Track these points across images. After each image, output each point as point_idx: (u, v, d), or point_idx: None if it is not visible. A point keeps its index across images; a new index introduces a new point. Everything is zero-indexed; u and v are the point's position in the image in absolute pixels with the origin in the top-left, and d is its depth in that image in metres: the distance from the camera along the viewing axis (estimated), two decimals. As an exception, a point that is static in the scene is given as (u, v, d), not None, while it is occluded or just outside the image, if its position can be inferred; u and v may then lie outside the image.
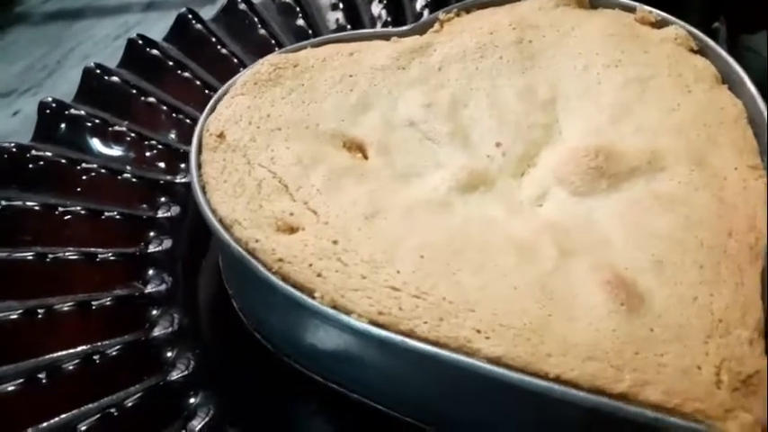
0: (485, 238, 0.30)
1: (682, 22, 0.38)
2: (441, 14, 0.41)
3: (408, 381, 0.30)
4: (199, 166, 0.34)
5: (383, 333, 0.27)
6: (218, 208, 0.32)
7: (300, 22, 0.52)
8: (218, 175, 0.33)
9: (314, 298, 0.28)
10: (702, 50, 0.37)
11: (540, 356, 0.25)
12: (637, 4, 0.40)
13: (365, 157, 0.35)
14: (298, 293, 0.29)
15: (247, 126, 0.35)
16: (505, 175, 0.33)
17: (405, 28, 0.41)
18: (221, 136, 0.35)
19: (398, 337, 0.27)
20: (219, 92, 0.38)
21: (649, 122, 0.34)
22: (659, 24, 0.39)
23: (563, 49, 0.38)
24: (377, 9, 0.53)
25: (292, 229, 0.31)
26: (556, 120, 0.36)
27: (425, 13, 0.52)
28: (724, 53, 0.36)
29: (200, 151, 0.35)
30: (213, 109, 0.37)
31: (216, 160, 0.34)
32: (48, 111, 0.44)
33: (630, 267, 0.28)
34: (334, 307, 0.28)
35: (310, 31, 0.51)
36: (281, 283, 0.29)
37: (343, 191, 0.32)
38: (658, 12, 0.39)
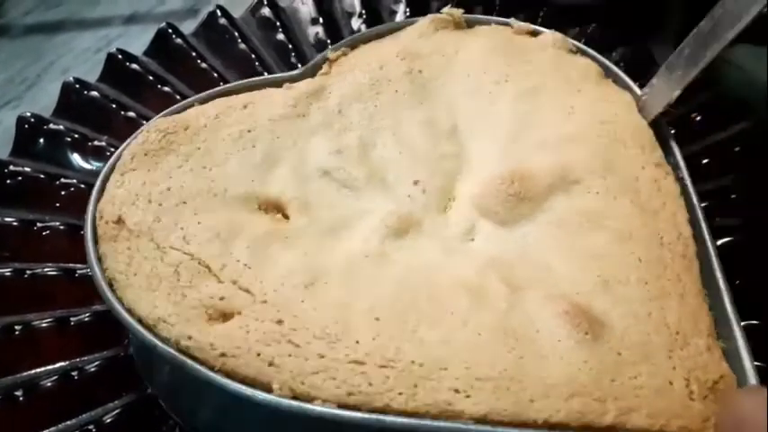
0: (431, 284, 0.29)
1: (552, 31, 0.39)
2: (329, 53, 0.39)
3: None
4: (99, 260, 0.30)
5: (357, 415, 0.25)
6: (134, 307, 0.28)
7: (281, 36, 0.52)
8: (125, 268, 0.30)
9: (271, 391, 0.26)
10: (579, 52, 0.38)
11: (525, 404, 0.25)
12: (510, 19, 0.40)
13: (285, 217, 0.32)
14: (249, 391, 0.26)
15: (147, 205, 0.31)
16: (431, 213, 0.32)
17: (295, 72, 0.39)
18: (119, 222, 0.31)
19: (373, 417, 0.25)
20: (105, 169, 0.34)
21: (550, 132, 0.34)
22: (535, 34, 0.39)
23: (451, 73, 0.37)
24: (356, 24, 0.53)
25: (226, 316, 0.28)
26: (461, 147, 0.35)
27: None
28: (594, 52, 0.38)
29: (96, 242, 0.31)
30: (102, 191, 0.33)
31: (119, 251, 0.30)
32: (26, 125, 0.44)
33: (581, 292, 0.28)
34: (295, 397, 0.25)
35: (290, 46, 0.51)
36: (227, 382, 0.26)
37: (272, 260, 0.29)
38: (528, 24, 0.40)
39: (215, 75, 0.49)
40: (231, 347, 0.26)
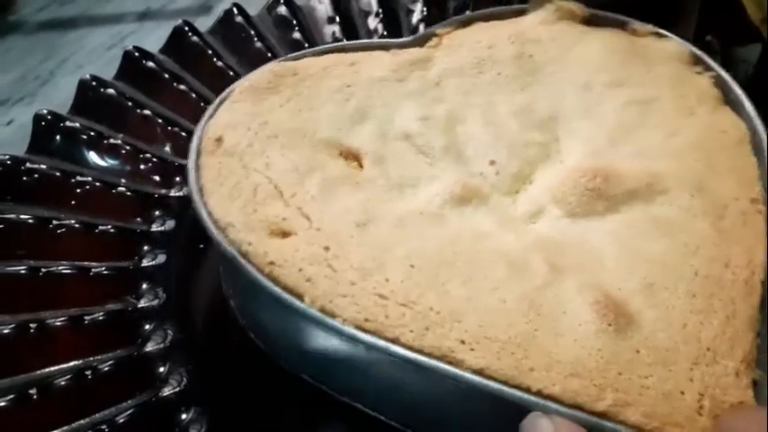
0: (476, 250, 0.30)
1: (680, 39, 0.38)
2: (439, 29, 0.41)
3: (394, 386, 0.30)
4: (197, 169, 0.34)
5: (368, 337, 0.27)
6: (213, 210, 0.32)
7: (297, 35, 0.52)
8: (214, 178, 0.34)
9: (303, 302, 0.29)
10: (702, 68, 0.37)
11: (523, 370, 0.26)
12: (631, 19, 0.40)
13: (361, 166, 0.35)
14: (287, 296, 0.29)
15: (245, 132, 0.35)
16: (498, 193, 0.33)
17: (405, 39, 0.41)
18: (219, 140, 0.35)
19: (382, 342, 0.27)
20: (219, 97, 0.38)
21: (650, 145, 0.33)
22: (658, 36, 0.39)
23: (565, 65, 0.37)
24: (373, 23, 0.53)
25: (285, 234, 0.31)
26: (555, 138, 0.35)
27: (421, 27, 0.53)
28: (723, 72, 0.36)
29: (198, 155, 0.35)
30: (213, 114, 0.37)
31: (213, 164, 0.34)
32: (43, 123, 0.44)
33: (622, 288, 0.28)
34: (323, 312, 0.28)
35: (306, 45, 0.51)
36: (271, 286, 0.29)
37: (337, 198, 0.32)
38: (651, 26, 0.39)
39: (231, 73, 0.49)
40: (279, 258, 0.30)
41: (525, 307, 0.27)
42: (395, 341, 0.27)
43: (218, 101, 0.38)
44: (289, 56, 0.41)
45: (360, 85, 0.38)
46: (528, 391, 0.25)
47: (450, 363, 0.26)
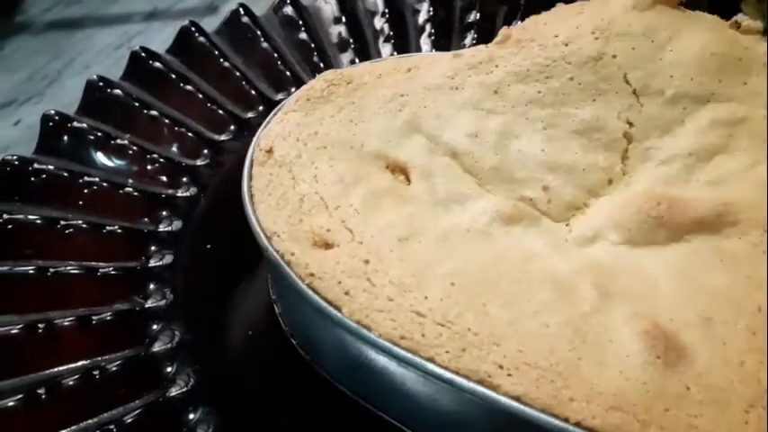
0: (522, 270, 0.29)
1: None
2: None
3: (428, 404, 0.30)
4: (249, 179, 0.35)
5: (402, 352, 0.27)
6: (261, 219, 0.33)
7: (303, 35, 0.52)
8: (263, 187, 0.34)
9: (341, 313, 0.29)
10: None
11: (563, 400, 0.25)
12: (739, 15, 0.35)
13: (408, 180, 0.34)
14: (325, 305, 0.29)
15: (295, 143, 0.35)
16: (552, 218, 0.32)
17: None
18: (270, 151, 0.35)
19: (418, 360, 0.27)
20: (277, 107, 0.38)
21: (729, 173, 0.30)
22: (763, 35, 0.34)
23: (654, 68, 0.33)
24: (379, 23, 0.53)
25: (328, 245, 0.31)
26: (623, 160, 0.32)
27: (427, 27, 0.53)
28: None
29: (252, 165, 0.36)
30: (267, 124, 0.37)
31: (263, 174, 0.35)
32: (50, 123, 0.44)
33: (676, 320, 0.26)
34: (359, 324, 0.28)
35: (312, 45, 0.51)
36: (312, 295, 0.29)
37: (380, 212, 0.32)
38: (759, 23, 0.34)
39: (237, 73, 0.49)
40: (320, 271, 0.30)
41: (570, 333, 0.26)
42: (430, 360, 0.27)
43: (275, 110, 0.38)
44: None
45: (413, 93, 0.36)
46: (566, 421, 0.24)
47: (487, 387, 0.25)
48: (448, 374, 0.26)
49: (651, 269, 0.28)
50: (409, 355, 0.27)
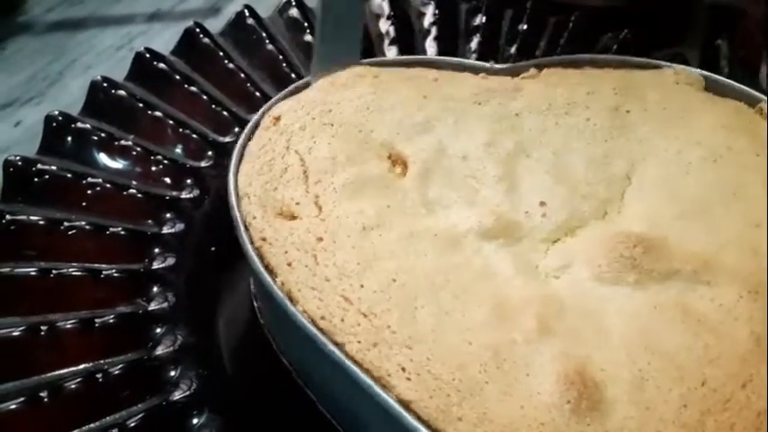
0: (471, 286, 0.28)
1: None
2: (541, 63, 0.38)
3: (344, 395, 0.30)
4: (246, 140, 0.36)
5: (314, 332, 0.27)
6: (240, 179, 0.34)
7: (308, 37, 0.52)
8: (256, 150, 0.35)
9: (275, 283, 0.29)
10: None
11: (451, 417, 0.24)
12: (762, 96, 0.35)
13: (404, 174, 0.34)
14: (264, 273, 0.30)
15: (304, 115, 0.36)
16: (535, 239, 0.31)
17: (498, 66, 0.39)
18: (277, 119, 0.36)
19: (324, 341, 0.27)
20: (301, 82, 0.39)
21: (724, 230, 0.29)
22: None
23: (661, 127, 0.34)
24: (384, 25, 0.53)
25: (292, 217, 0.32)
26: (620, 198, 0.32)
27: (433, 30, 0.53)
28: None
29: (254, 128, 0.37)
30: (284, 97, 0.38)
31: (262, 137, 0.35)
32: (54, 124, 0.44)
33: (608, 372, 0.25)
34: (289, 297, 0.29)
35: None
36: (254, 260, 0.30)
37: (358, 197, 0.32)
38: None
39: (242, 75, 0.49)
40: (272, 237, 0.31)
41: (487, 356, 0.26)
42: (339, 346, 0.27)
43: (298, 84, 0.39)
44: (377, 59, 0.41)
45: (436, 98, 0.36)
46: None
47: (381, 386, 0.25)
48: (348, 363, 0.26)
49: (609, 313, 0.27)
50: (319, 336, 0.27)
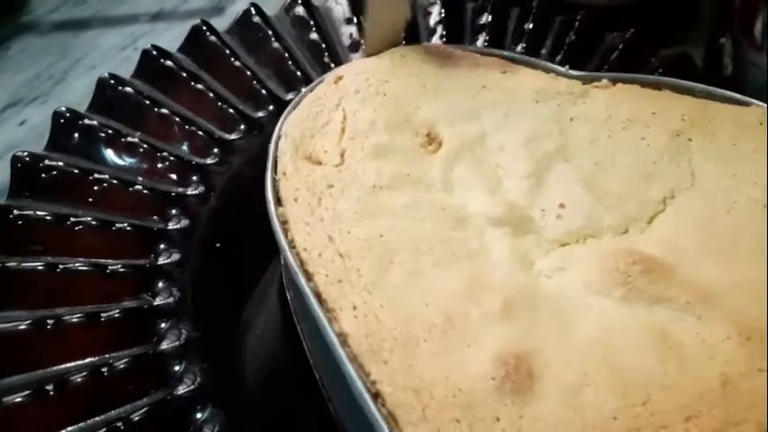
0: (455, 261, 0.28)
1: None
2: (618, 78, 0.37)
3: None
4: (310, 91, 0.38)
5: (290, 259, 0.29)
6: (287, 121, 0.36)
7: (314, 35, 0.52)
8: (312, 101, 0.37)
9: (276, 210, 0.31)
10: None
11: (378, 357, 0.25)
12: None
13: (435, 152, 0.34)
14: (271, 202, 0.32)
15: (362, 81, 0.37)
16: (543, 237, 0.30)
17: (573, 72, 0.38)
18: (340, 78, 0.38)
19: (295, 268, 0.28)
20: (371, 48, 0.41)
21: (738, 272, 0.27)
22: None
23: (722, 162, 0.31)
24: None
25: (318, 163, 0.34)
26: (649, 220, 0.30)
27: (439, 29, 0.53)
28: None
29: (320, 82, 0.38)
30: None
31: (321, 91, 0.37)
32: (61, 120, 0.44)
33: (552, 368, 0.25)
34: (283, 226, 0.31)
35: (323, 45, 0.51)
36: (268, 190, 0.32)
37: (380, 159, 0.33)
38: None
39: (248, 73, 0.49)
40: (292, 173, 0.33)
41: (437, 319, 0.26)
42: (308, 276, 0.28)
43: (375, 49, 0.40)
44: (449, 45, 0.42)
45: (496, 90, 0.36)
46: (367, 375, 0.25)
47: (328, 318, 0.27)
48: (307, 290, 0.27)
49: (580, 318, 0.26)
50: (291, 260, 0.29)
